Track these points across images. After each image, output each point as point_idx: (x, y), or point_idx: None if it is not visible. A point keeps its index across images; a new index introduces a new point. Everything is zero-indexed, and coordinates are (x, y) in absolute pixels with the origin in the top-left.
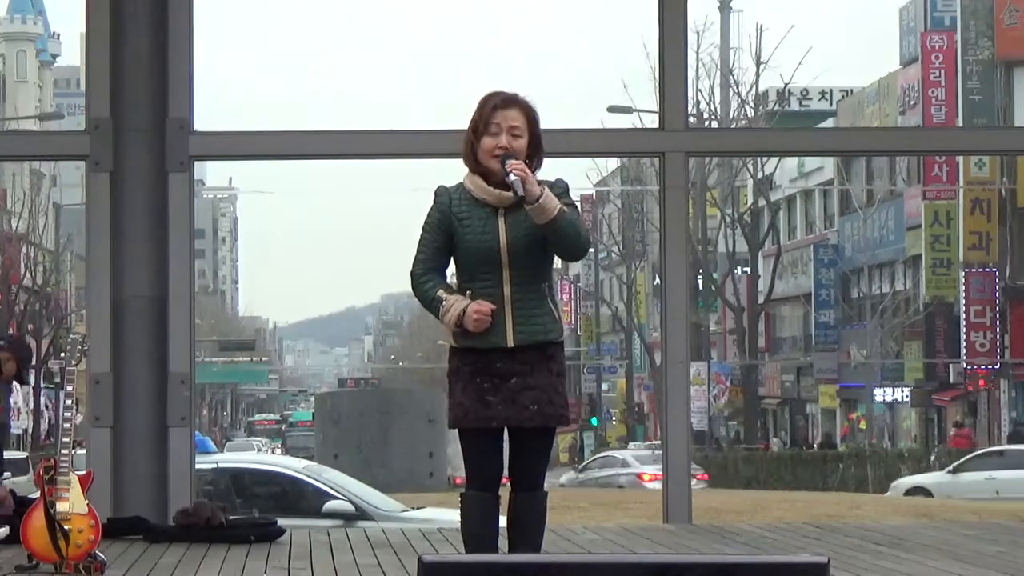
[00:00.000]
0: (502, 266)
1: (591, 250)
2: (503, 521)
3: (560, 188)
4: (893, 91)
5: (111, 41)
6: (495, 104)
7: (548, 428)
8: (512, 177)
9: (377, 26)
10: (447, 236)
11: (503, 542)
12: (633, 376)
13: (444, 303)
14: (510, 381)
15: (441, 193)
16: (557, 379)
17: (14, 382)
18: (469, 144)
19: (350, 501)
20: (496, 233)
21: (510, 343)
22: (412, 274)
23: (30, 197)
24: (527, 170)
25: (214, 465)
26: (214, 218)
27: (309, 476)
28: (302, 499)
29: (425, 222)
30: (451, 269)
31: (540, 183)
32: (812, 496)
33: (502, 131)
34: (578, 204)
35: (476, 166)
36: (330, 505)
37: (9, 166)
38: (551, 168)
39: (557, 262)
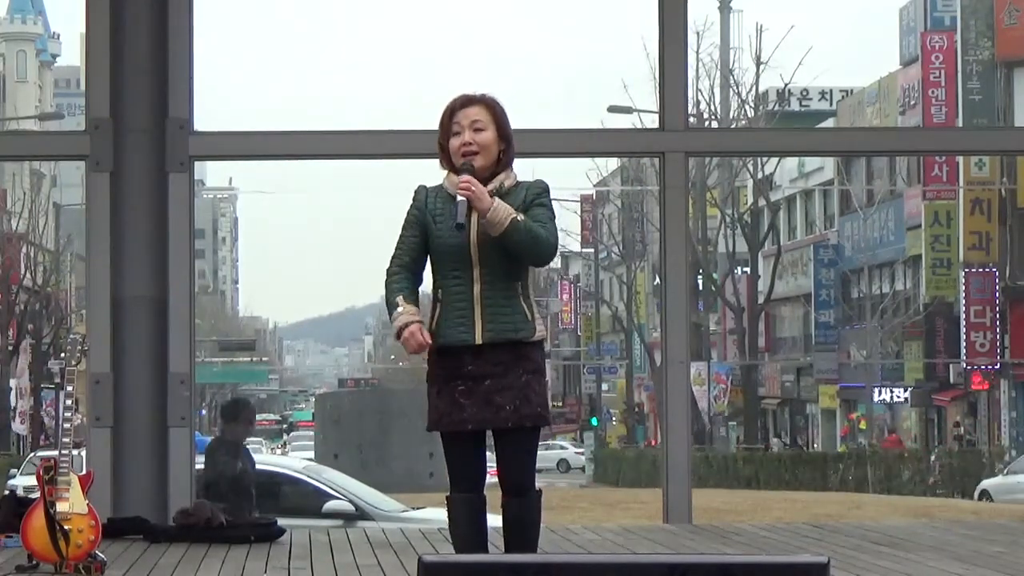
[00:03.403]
0: (472, 264)
1: (591, 250)
2: (498, 521)
3: (537, 189)
4: (893, 91)
5: (111, 41)
6: (455, 106)
7: (527, 428)
8: (459, 197)
9: (377, 26)
10: (423, 233)
11: (499, 541)
12: (633, 376)
13: (397, 309)
14: (484, 383)
15: (419, 191)
16: (533, 377)
17: None
18: (440, 148)
19: (350, 501)
20: (467, 231)
21: (478, 340)
22: (386, 271)
23: (30, 197)
24: (474, 185)
25: None
26: (214, 218)
27: (309, 476)
28: (302, 499)
29: (404, 220)
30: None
31: (517, 184)
32: (812, 496)
33: (464, 129)
34: (553, 204)
35: (450, 166)
36: (330, 505)
37: (9, 166)
38: (552, 168)
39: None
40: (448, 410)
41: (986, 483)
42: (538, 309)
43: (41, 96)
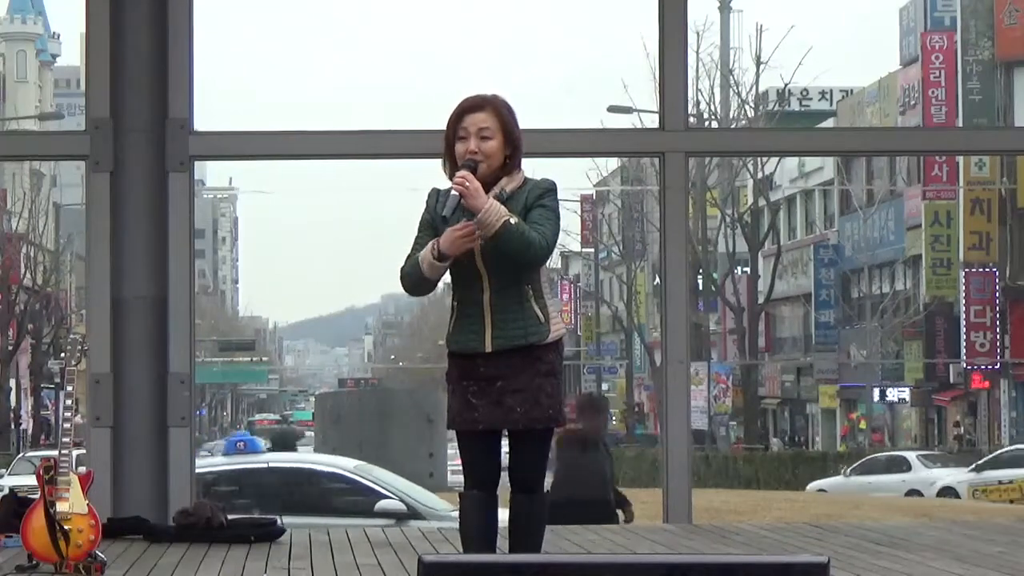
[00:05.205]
0: (480, 271)
1: (591, 250)
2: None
3: (539, 190)
4: (893, 91)
5: (111, 41)
6: (462, 110)
7: (538, 430)
8: (453, 192)
9: (377, 26)
10: (436, 235)
11: (504, 542)
12: (633, 376)
13: (421, 253)
14: (496, 384)
15: (431, 195)
16: (545, 380)
17: None
18: (446, 153)
19: (402, 501)
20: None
21: (488, 348)
22: (400, 269)
23: (30, 197)
24: (468, 182)
25: (265, 465)
26: (214, 218)
27: (360, 476)
28: (353, 498)
29: (419, 223)
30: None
31: (525, 182)
32: (812, 496)
33: (470, 136)
34: (557, 206)
35: (455, 169)
36: (382, 504)
37: (9, 166)
38: (553, 169)
39: (552, 261)
40: (460, 410)
41: (822, 482)
42: (553, 305)
43: (41, 96)
